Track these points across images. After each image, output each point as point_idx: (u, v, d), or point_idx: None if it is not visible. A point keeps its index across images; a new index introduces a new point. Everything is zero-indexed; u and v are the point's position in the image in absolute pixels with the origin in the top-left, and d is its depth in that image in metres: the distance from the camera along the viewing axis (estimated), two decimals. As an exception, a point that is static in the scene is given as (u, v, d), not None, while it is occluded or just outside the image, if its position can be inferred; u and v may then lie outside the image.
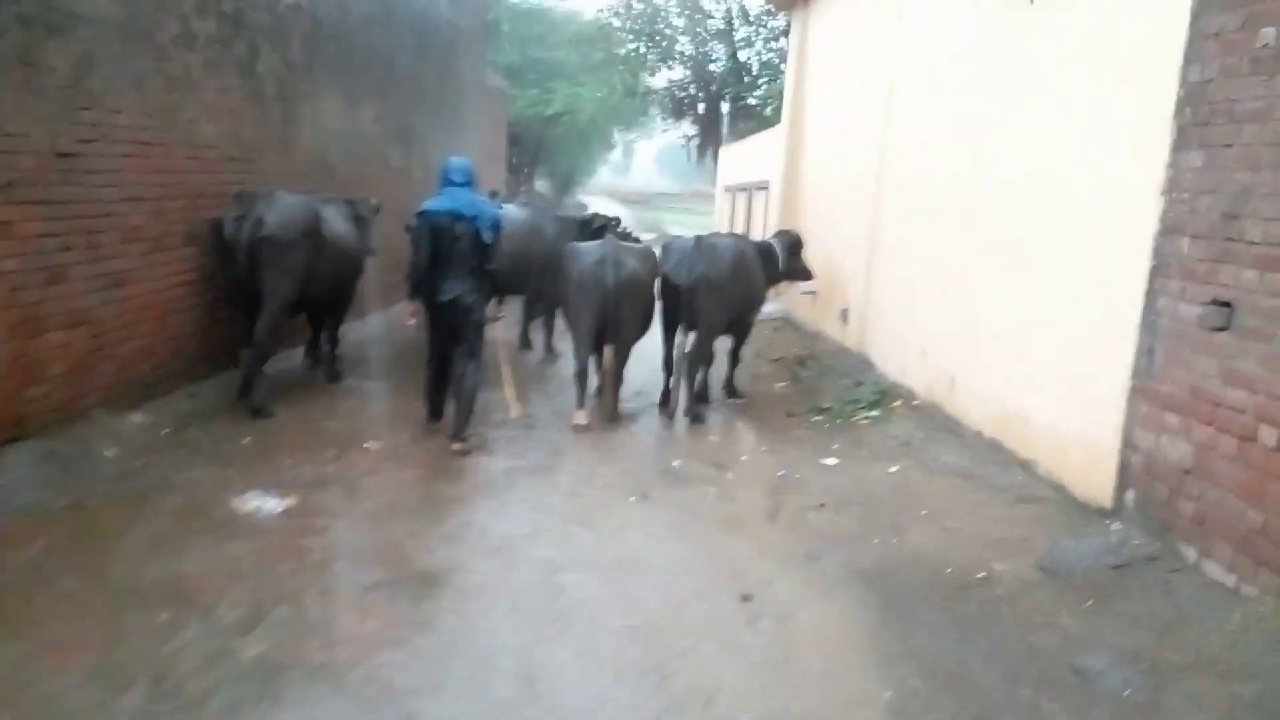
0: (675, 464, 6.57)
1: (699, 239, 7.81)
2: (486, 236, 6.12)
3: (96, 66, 5.57)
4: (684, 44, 26.66)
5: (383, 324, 10.93)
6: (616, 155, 64.64)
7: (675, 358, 7.75)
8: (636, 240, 9.27)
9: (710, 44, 26.65)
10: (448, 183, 6.18)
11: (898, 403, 7.94)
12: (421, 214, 6.11)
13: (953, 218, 7.38)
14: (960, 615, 4.31)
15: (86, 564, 4.21)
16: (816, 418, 7.94)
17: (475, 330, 6.34)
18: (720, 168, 23.33)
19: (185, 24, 6.61)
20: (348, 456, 6.14)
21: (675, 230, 34.93)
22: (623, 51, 27.26)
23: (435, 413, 6.82)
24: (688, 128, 28.69)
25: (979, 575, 4.71)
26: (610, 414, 7.57)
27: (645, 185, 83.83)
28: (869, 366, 9.23)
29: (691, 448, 7.09)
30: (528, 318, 10.34)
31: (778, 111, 26.24)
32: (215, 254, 6.93)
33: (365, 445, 6.42)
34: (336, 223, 7.63)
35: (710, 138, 27.48)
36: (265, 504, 5.09)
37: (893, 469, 6.47)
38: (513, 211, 9.39)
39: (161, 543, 4.50)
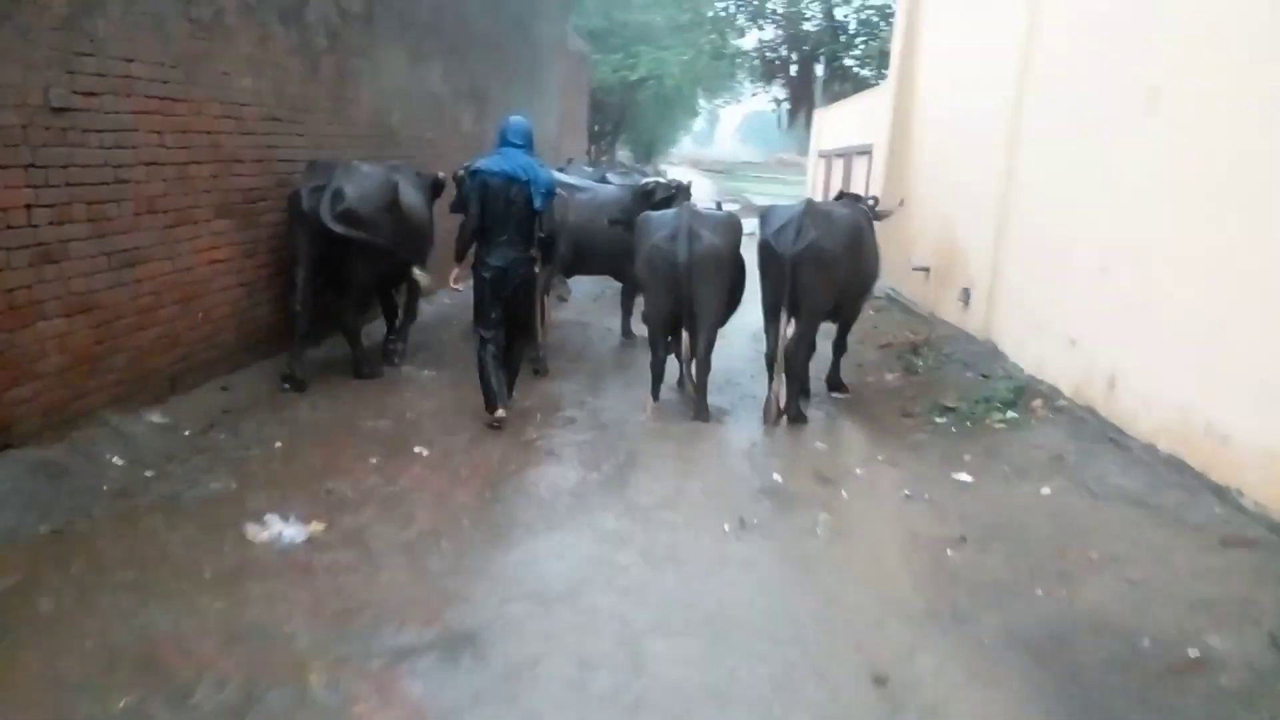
0: (775, 478, 5.50)
1: (810, 202, 6.68)
2: (539, 202, 5.75)
3: (100, 4, 4.72)
4: (775, 2, 25.13)
5: (447, 304, 10.09)
6: (699, 124, 63.10)
7: (770, 349, 6.68)
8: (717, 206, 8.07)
9: (803, 1, 25.06)
10: (505, 143, 5.82)
11: (1038, 402, 6.71)
12: (474, 172, 5.79)
13: (1120, 175, 6.08)
14: (1175, 717, 3.19)
15: (47, 618, 3.38)
16: (940, 419, 6.77)
17: (527, 302, 6.08)
18: (814, 133, 21.92)
19: (217, -39, 5.75)
20: (392, 465, 5.26)
21: (761, 200, 33.61)
22: (710, 12, 25.86)
23: (491, 399, 6.06)
24: (778, 92, 27.18)
25: (1190, 654, 3.56)
26: (696, 411, 6.55)
27: (728, 154, 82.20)
28: (998, 356, 7.98)
29: (794, 456, 6.02)
30: (626, 306, 9.31)
31: (878, 72, 24.90)
32: (292, 227, 6.43)
33: (414, 450, 5.53)
34: (411, 195, 7.15)
35: (802, 102, 25.97)
36: (285, 531, 4.22)
37: (1044, 490, 5.30)
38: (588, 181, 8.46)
39: (148, 587, 3.65)
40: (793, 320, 6.60)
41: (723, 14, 25.43)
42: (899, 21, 12.96)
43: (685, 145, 66.12)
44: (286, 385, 6.35)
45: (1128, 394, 5.81)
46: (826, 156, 18.85)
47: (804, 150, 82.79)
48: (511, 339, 6.19)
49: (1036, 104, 7.74)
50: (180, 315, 5.67)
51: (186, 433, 5.29)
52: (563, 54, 17.76)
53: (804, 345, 6.69)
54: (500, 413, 5.99)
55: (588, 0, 27.86)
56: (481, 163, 5.81)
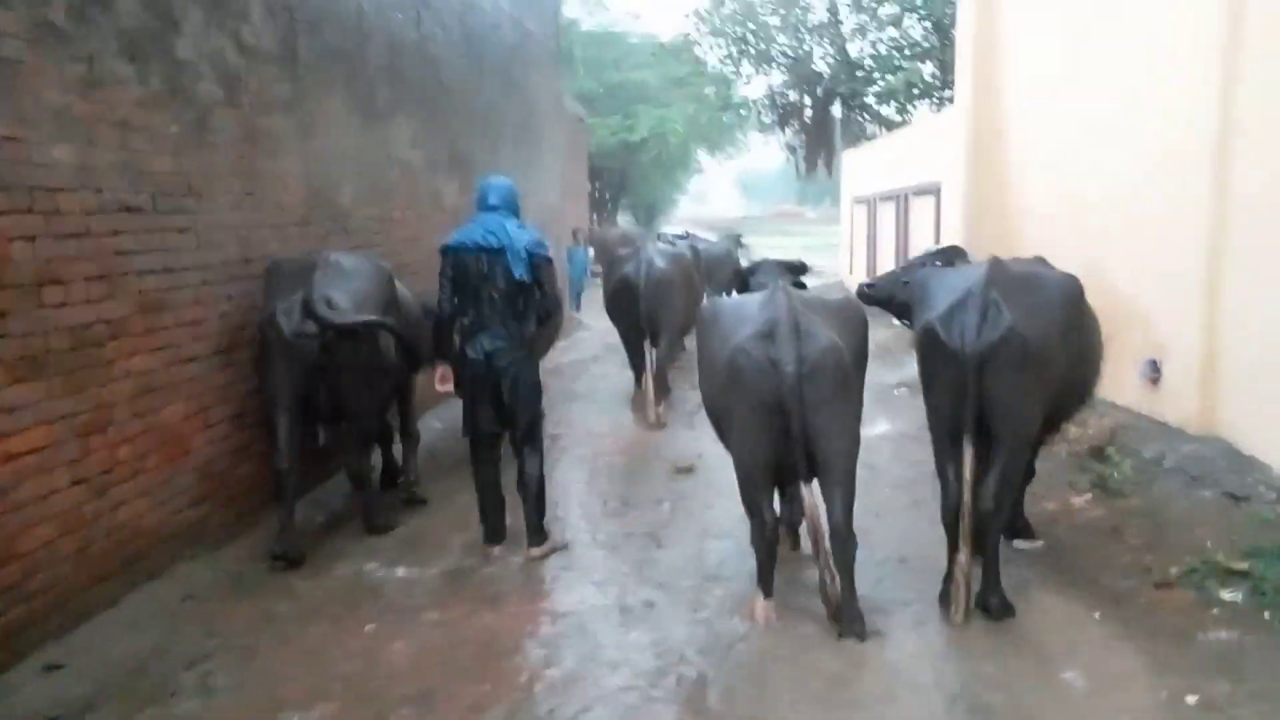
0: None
1: (996, 264, 4.22)
2: (517, 271, 4.76)
3: None
4: (781, 44, 23.13)
5: (437, 429, 7.62)
6: (696, 183, 61.40)
7: (951, 501, 4.16)
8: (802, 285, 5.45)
9: (810, 41, 23.07)
10: (481, 208, 4.89)
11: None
12: (444, 248, 4.86)
13: None
14: None
15: None
16: (1228, 594, 4.19)
17: (525, 400, 4.91)
18: (844, 177, 19.64)
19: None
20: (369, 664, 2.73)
21: (770, 254, 31.24)
22: (710, 60, 23.92)
23: (492, 533, 5.10)
24: (790, 139, 25.06)
25: None
26: (841, 616, 4.00)
27: (726, 211, 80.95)
28: (1242, 462, 5.45)
29: (1029, 701, 3.45)
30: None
31: (903, 108, 22.87)
32: (267, 362, 4.86)
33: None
34: (404, 288, 5.86)
35: (819, 146, 23.85)
36: None
37: None
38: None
39: None
40: (974, 449, 4.08)
41: (726, 58, 23.41)
42: (966, 34, 10.68)
43: (683, 205, 64.50)
44: (280, 563, 4.73)
45: None
46: (866, 202, 16.50)
47: (804, 200, 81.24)
48: (521, 452, 4.96)
49: (1261, 91, 5.31)
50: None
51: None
52: (558, 117, 15.56)
53: (1006, 492, 4.17)
54: (496, 549, 5.02)
55: (577, 64, 26.17)
56: (453, 235, 4.86)
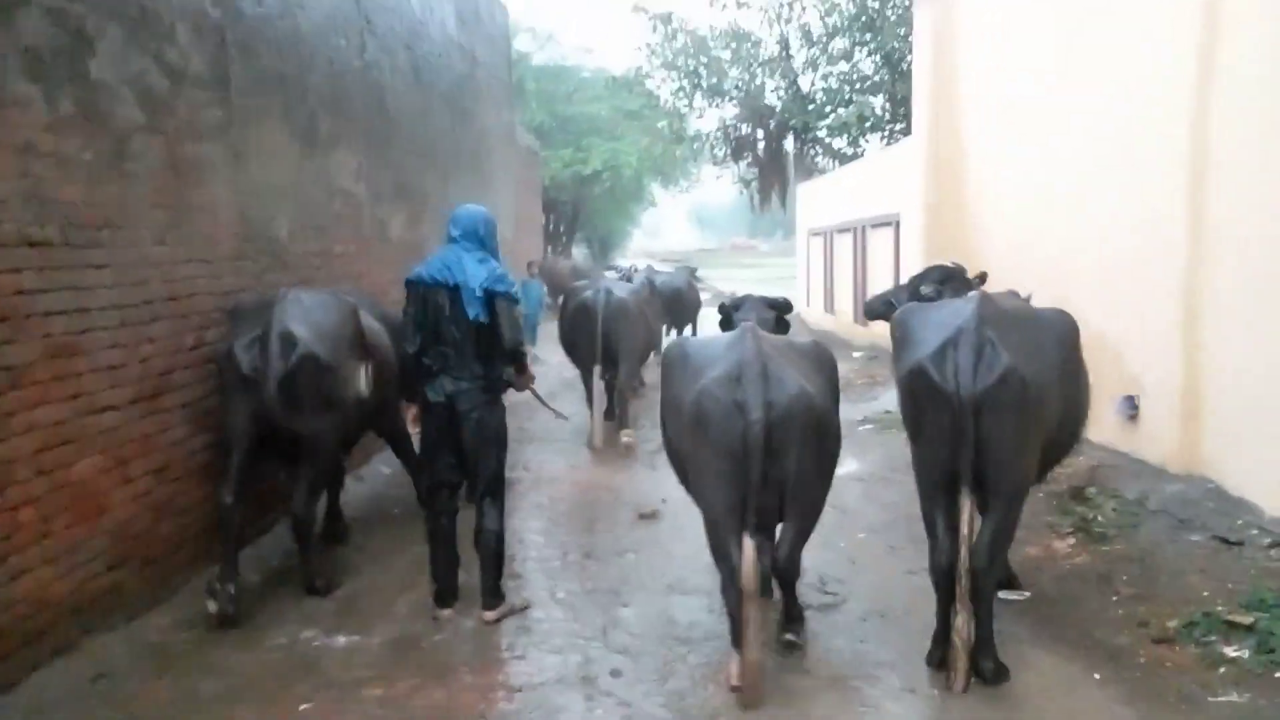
0: None
1: (984, 300, 3.98)
2: (471, 311, 4.38)
3: None
4: (734, 77, 23.08)
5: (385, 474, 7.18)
6: (648, 216, 61.46)
7: (944, 557, 3.85)
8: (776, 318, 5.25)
9: (762, 75, 23.07)
10: (448, 240, 4.54)
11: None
12: (407, 281, 4.57)
13: None
14: None
15: None
16: (1233, 651, 3.94)
17: (486, 449, 4.52)
18: (800, 209, 19.58)
19: None
20: None
21: (724, 286, 31.17)
22: (663, 94, 23.80)
23: (444, 594, 4.67)
24: (744, 172, 24.97)
25: None
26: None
27: (680, 244, 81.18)
28: (1229, 503, 5.25)
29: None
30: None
31: (854, 141, 22.92)
32: (225, 399, 4.76)
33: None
34: (372, 324, 5.66)
35: (773, 179, 23.79)
36: None
37: None
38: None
39: None
40: (971, 500, 3.79)
41: (678, 92, 23.30)
42: (922, 64, 10.61)
43: (636, 238, 64.49)
44: (216, 620, 4.42)
45: None
46: (823, 234, 16.39)
47: (757, 233, 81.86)
48: (480, 505, 4.55)
49: (1235, 124, 5.17)
50: None
51: None
52: (513, 147, 15.27)
53: (1003, 546, 3.89)
54: (446, 612, 4.58)
55: (529, 97, 25.99)
56: (416, 270, 4.53)
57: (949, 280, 5.29)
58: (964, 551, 3.76)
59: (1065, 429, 4.29)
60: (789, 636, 4.13)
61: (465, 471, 4.55)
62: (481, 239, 4.49)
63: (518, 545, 5.61)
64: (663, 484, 7.06)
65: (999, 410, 3.67)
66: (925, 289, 5.01)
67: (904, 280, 6.07)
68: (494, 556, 4.58)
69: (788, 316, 5.40)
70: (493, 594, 4.59)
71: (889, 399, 10.73)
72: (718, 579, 3.91)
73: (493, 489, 4.55)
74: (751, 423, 3.64)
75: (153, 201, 4.61)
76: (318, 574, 4.93)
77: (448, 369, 4.43)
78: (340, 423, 5.01)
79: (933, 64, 10.10)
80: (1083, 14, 6.89)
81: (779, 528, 3.96)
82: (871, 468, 7.53)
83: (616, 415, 8.35)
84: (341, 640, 4.37)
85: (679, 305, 12.92)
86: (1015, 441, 3.74)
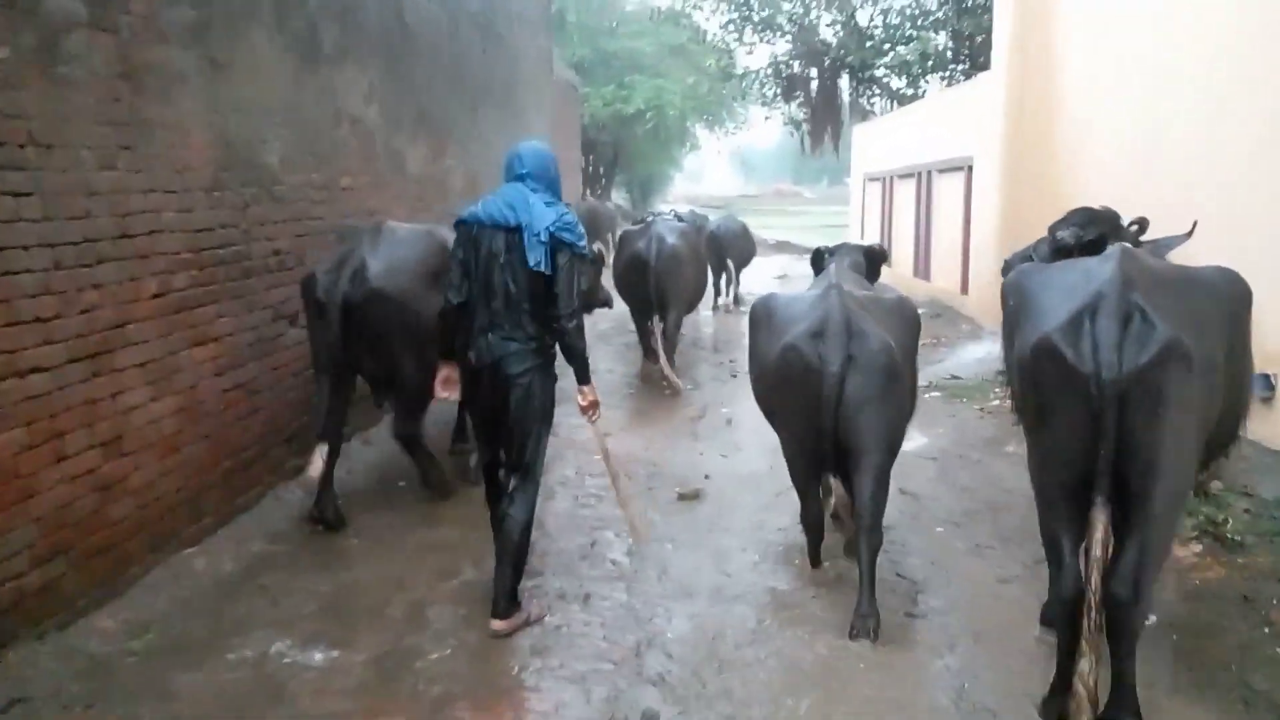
0: None
1: (1125, 254, 3.13)
2: (532, 258, 3.71)
3: None
4: (787, 10, 21.71)
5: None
6: (689, 159, 59.91)
7: (1069, 586, 3.01)
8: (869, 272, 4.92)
9: (818, 8, 21.67)
10: (510, 177, 3.90)
11: None
12: (457, 221, 3.96)
13: None
14: None
15: None
16: None
17: (529, 424, 3.85)
18: (855, 154, 18.38)
19: None
20: None
21: (769, 234, 29.86)
22: (711, 28, 22.51)
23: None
24: (795, 112, 23.65)
25: None
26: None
27: (723, 189, 79.48)
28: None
29: None
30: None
31: (913, 82, 21.50)
32: (310, 321, 4.88)
33: None
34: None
35: (826, 120, 22.51)
36: None
37: None
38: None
39: None
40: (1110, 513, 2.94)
41: (728, 28, 21.99)
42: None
43: (677, 183, 63.03)
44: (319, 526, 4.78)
45: None
46: (882, 180, 15.25)
47: (802, 180, 79.78)
48: (510, 490, 3.96)
49: None
50: None
51: None
52: (549, 81, 14.25)
53: (1151, 572, 3.01)
54: (505, 623, 3.83)
55: (570, 29, 24.82)
56: (471, 207, 3.97)
57: (1094, 226, 4.24)
58: (1095, 578, 2.91)
59: (1225, 423, 3.39)
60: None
61: (500, 444, 3.97)
62: (551, 182, 3.98)
63: (537, 532, 4.82)
64: (706, 458, 6.24)
65: (1153, 398, 2.79)
66: (1062, 234, 3.98)
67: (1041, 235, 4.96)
68: (515, 551, 3.88)
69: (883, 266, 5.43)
70: (508, 599, 3.84)
71: (955, 362, 9.75)
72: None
73: (527, 470, 3.92)
74: (829, 375, 3.78)
75: (98, 116, 3.77)
76: (434, 483, 5.27)
77: (495, 326, 3.82)
78: (417, 358, 4.81)
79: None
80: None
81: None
82: (945, 443, 6.64)
83: (663, 359, 8.35)
84: (318, 656, 3.60)
85: (734, 250, 12.59)
86: (1173, 438, 2.87)
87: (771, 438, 4.54)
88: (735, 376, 9.08)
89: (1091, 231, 3.90)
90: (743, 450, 6.33)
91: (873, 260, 5.26)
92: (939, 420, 7.33)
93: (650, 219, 9.06)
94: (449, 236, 4.53)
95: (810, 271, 5.33)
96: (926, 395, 8.17)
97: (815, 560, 4.37)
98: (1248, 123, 5.48)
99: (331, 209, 5.89)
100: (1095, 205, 4.21)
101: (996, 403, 7.74)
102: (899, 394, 3.96)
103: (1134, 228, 4.16)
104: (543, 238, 3.72)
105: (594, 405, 3.98)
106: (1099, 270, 3.04)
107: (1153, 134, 6.61)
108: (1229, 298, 3.25)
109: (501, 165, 3.99)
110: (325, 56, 5.87)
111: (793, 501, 4.46)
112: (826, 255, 5.19)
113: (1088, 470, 2.96)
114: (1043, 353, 3.05)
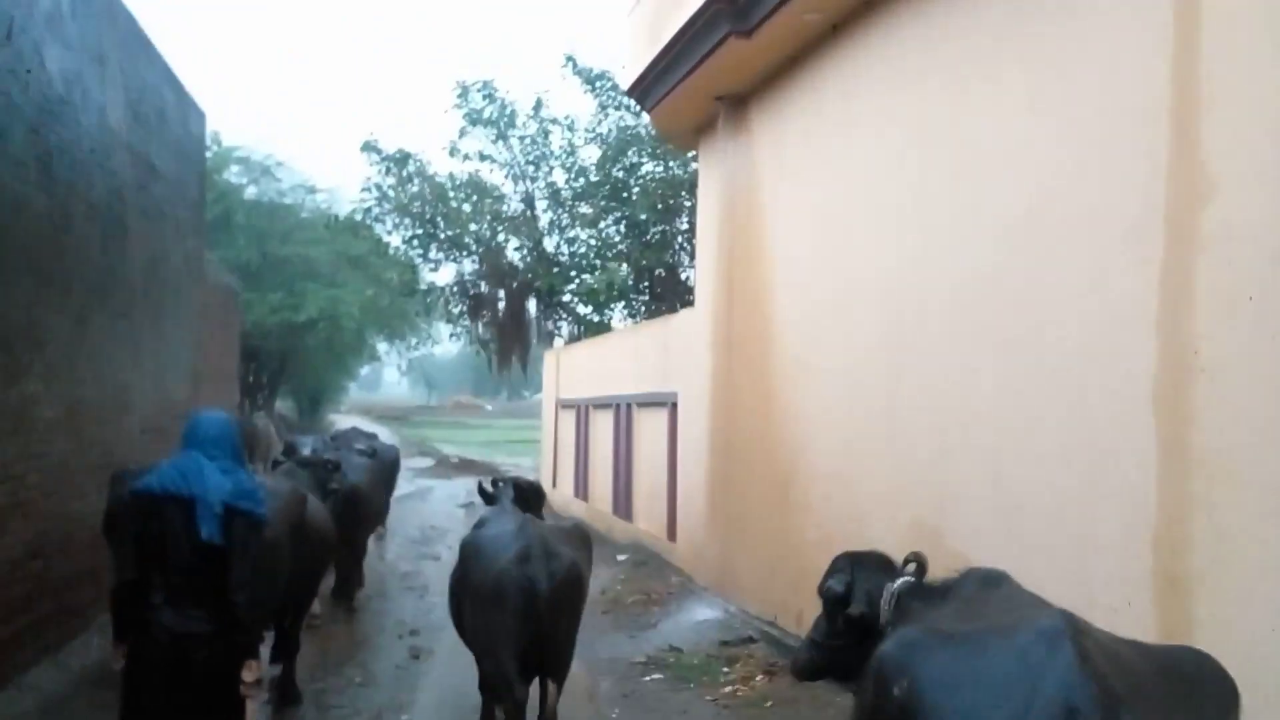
0: None
1: (1075, 635, 1.99)
2: (205, 531, 3.74)
3: None
4: (474, 231, 21.36)
5: None
6: (364, 369, 57.84)
7: None
8: None
9: (506, 232, 21.58)
10: (185, 444, 4.04)
11: None
12: (133, 493, 4.01)
13: None
14: None
15: None
16: None
17: (215, 712, 3.74)
18: (548, 378, 17.74)
19: None
20: None
21: (448, 448, 28.36)
22: (394, 241, 21.55)
23: None
24: (480, 331, 22.95)
25: None
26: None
27: (399, 400, 77.61)
28: None
29: None
30: None
31: (599, 309, 21.70)
32: None
33: None
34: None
35: (514, 341, 21.97)
36: None
37: None
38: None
39: None
40: None
41: (414, 243, 21.15)
42: (709, 225, 9.23)
43: (352, 392, 60.40)
44: None
45: None
46: (576, 407, 14.52)
47: (482, 392, 79.80)
48: None
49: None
50: None
51: None
52: (200, 284, 12.25)
53: None
54: None
55: (236, 231, 22.96)
56: (144, 479, 3.94)
57: (864, 572, 3.22)
58: None
59: None
60: None
61: None
62: (233, 447, 4.08)
63: None
64: None
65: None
66: (831, 584, 3.03)
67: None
68: None
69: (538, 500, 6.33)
70: None
71: (671, 627, 8.58)
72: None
73: None
74: (540, 592, 4.72)
75: None
76: None
77: (179, 603, 3.79)
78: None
79: (723, 230, 8.71)
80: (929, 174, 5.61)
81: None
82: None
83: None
84: None
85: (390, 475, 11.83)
86: None
87: None
88: (417, 658, 7.38)
89: (864, 579, 3.07)
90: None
91: (534, 495, 6.25)
92: (670, 720, 6.05)
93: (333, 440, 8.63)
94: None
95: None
96: (646, 679, 6.93)
97: None
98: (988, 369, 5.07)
99: None
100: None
101: (730, 688, 6.63)
102: (584, 599, 5.24)
103: (911, 566, 3.17)
104: (216, 508, 3.74)
105: (259, 683, 3.81)
106: (1042, 657, 1.94)
107: (860, 372, 6.21)
108: (1222, 704, 2.25)
109: (181, 431, 4.03)
110: None
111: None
112: (497, 487, 6.17)
113: None
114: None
